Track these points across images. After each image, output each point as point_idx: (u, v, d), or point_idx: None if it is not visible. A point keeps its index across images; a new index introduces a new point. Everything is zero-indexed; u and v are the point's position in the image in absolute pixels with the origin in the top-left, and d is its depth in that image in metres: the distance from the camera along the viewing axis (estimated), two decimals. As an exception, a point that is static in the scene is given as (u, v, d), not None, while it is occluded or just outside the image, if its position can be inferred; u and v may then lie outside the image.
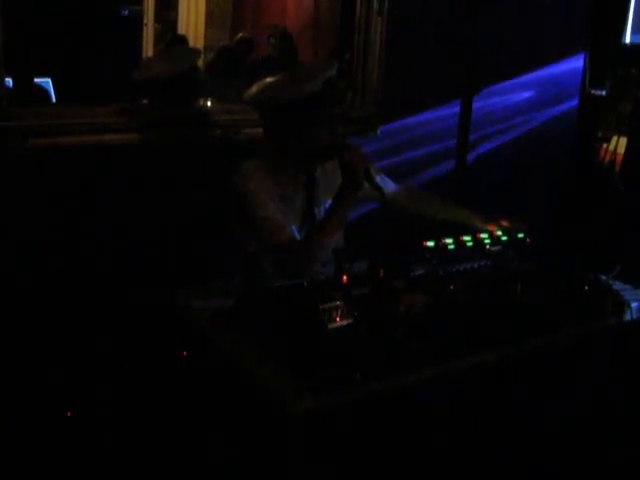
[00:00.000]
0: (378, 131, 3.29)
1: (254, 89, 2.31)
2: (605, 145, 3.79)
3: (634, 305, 2.18)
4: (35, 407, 2.50)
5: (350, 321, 1.78)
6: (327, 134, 2.28)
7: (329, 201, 2.29)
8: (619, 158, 3.72)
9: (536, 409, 2.00)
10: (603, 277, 2.27)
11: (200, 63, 3.94)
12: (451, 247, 2.12)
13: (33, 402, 2.51)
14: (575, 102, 3.99)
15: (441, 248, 2.11)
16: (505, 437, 1.93)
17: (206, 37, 5.08)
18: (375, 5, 3.12)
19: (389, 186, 2.53)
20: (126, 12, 4.31)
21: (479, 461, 1.90)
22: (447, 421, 1.82)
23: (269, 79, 2.32)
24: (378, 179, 2.33)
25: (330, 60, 3.05)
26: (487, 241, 2.21)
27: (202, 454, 1.94)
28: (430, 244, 2.10)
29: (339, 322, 1.76)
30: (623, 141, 3.69)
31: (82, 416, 2.55)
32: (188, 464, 1.98)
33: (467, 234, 2.18)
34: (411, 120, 3.51)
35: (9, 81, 3.20)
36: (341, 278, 1.87)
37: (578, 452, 2.09)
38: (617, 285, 2.27)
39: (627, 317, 2.15)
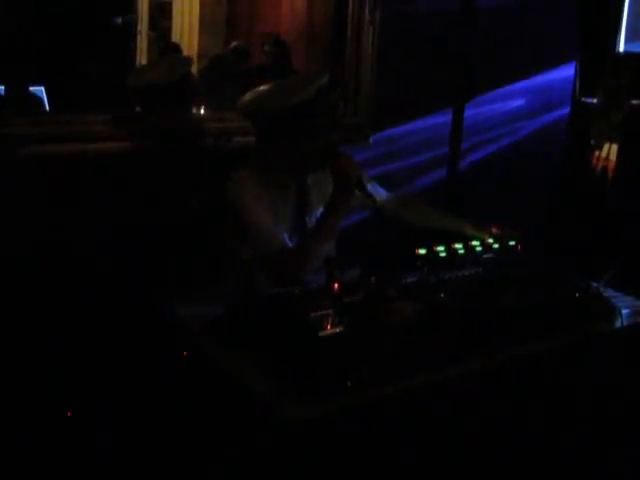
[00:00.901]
0: (370, 139, 3.31)
1: (247, 97, 2.32)
2: (597, 152, 3.81)
3: (625, 312, 2.18)
4: (35, 407, 2.50)
5: (341, 329, 1.78)
6: (319, 143, 2.28)
7: (321, 209, 2.29)
8: (611, 165, 3.74)
9: (528, 415, 2.00)
10: (595, 284, 2.27)
11: (194, 71, 3.95)
12: (443, 254, 2.12)
13: (33, 402, 2.51)
14: (566, 110, 4.01)
15: (433, 255, 2.11)
16: (500, 442, 1.94)
17: (200, 45, 5.11)
18: (367, 14, 3.14)
19: (381, 194, 2.53)
20: (120, 20, 4.33)
21: (475, 466, 1.90)
22: (441, 426, 1.82)
23: (262, 87, 2.32)
24: (370, 187, 2.34)
25: (322, 69, 3.06)
26: (479, 248, 2.21)
27: (199, 461, 1.94)
28: (422, 252, 2.10)
29: (330, 330, 1.76)
30: (615, 148, 3.71)
31: (82, 416, 2.54)
32: (186, 470, 1.98)
33: (459, 241, 2.19)
34: (403, 128, 3.53)
35: (2, 89, 3.22)
36: (332, 286, 1.87)
37: (576, 455, 2.09)
38: (609, 292, 2.27)
39: (618, 324, 2.16)
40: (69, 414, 2.55)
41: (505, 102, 3.99)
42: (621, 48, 4.08)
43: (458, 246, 2.16)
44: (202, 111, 3.47)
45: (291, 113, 2.22)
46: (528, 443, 1.99)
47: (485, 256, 2.22)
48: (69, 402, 2.57)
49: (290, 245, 2.26)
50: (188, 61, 3.45)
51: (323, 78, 2.30)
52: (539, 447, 2.02)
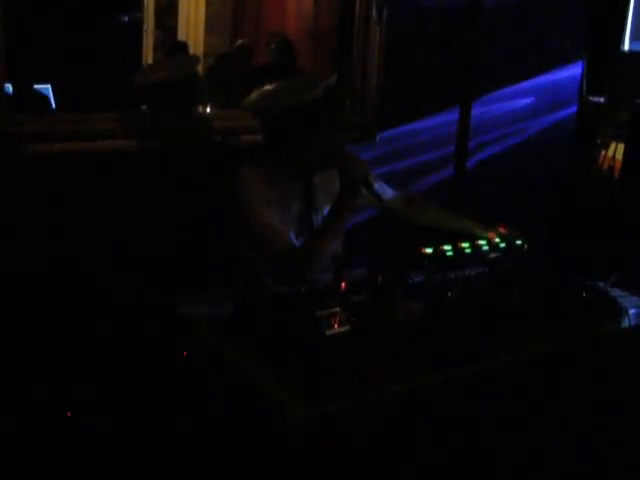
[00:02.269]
0: (377, 138, 3.30)
1: (254, 97, 2.32)
2: (604, 151, 3.81)
3: (632, 312, 2.18)
4: (35, 407, 2.50)
5: (348, 328, 1.78)
6: (326, 142, 2.28)
7: (327, 208, 2.29)
8: (618, 164, 3.74)
9: (534, 415, 2.00)
10: (601, 284, 2.27)
11: (200, 69, 3.95)
12: (449, 254, 2.12)
13: (33, 402, 2.51)
14: (574, 109, 4.01)
15: (439, 255, 2.11)
16: (503, 442, 1.93)
17: (206, 43, 5.10)
18: (374, 13, 3.13)
19: (387, 193, 2.53)
20: (126, 19, 4.34)
21: (479, 467, 1.90)
22: (445, 427, 1.82)
23: (269, 87, 2.32)
24: (377, 186, 2.33)
25: (329, 68, 3.07)
26: (485, 248, 2.21)
27: (201, 461, 1.94)
28: (428, 251, 2.10)
29: (337, 329, 1.76)
30: (621, 147, 3.70)
31: (82, 416, 2.55)
32: (187, 470, 1.98)
33: (465, 241, 2.19)
34: (410, 127, 3.53)
35: (9, 87, 3.22)
36: (339, 285, 1.88)
37: (577, 457, 2.09)
38: (615, 292, 2.27)
39: (625, 324, 2.15)
40: (69, 414, 2.55)
41: (513, 101, 3.99)
42: (626, 47, 4.07)
43: (465, 245, 2.17)
44: (208, 110, 3.47)
45: (298, 112, 2.22)
46: (535, 444, 1.99)
47: (492, 255, 2.22)
48: (75, 402, 2.57)
49: (297, 244, 2.26)
50: (196, 60, 3.46)
51: (330, 78, 2.30)
52: (543, 448, 2.02)
